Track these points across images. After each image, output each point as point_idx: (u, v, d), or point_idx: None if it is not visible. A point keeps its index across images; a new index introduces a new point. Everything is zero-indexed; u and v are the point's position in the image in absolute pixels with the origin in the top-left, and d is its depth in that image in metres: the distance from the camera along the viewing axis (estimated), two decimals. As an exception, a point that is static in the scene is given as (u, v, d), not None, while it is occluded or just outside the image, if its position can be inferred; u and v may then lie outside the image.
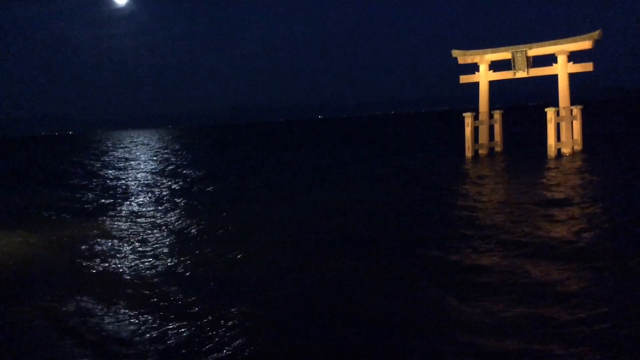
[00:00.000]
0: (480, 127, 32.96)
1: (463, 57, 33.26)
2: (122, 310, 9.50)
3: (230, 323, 8.57)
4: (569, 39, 29.62)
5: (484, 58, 32.50)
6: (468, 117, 31.70)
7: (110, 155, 61.65)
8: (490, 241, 12.47)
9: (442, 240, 12.98)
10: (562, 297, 8.83)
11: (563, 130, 29.92)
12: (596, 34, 28.76)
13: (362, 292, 9.65)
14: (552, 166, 25.76)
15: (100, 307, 9.69)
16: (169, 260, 12.60)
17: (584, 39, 29.11)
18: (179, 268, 11.92)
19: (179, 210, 19.55)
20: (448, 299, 9.05)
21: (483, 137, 33.07)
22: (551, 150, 29.22)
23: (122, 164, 45.92)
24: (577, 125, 30.59)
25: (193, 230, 15.75)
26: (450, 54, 33.59)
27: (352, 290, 9.82)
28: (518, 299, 8.88)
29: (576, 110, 30.38)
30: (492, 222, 14.51)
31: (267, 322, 8.54)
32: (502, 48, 31.83)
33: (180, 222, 17.21)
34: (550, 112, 29.03)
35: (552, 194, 18.15)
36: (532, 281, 9.64)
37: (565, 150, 29.80)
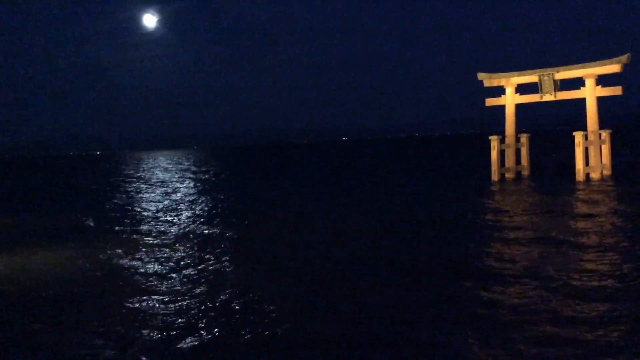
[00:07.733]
0: (506, 150, 32.59)
1: (489, 80, 33.05)
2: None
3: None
4: (597, 62, 29.27)
5: (510, 81, 32.24)
6: (494, 140, 31.35)
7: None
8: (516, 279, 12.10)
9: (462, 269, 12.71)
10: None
11: (592, 154, 29.42)
12: (625, 57, 28.36)
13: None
14: (581, 193, 24.84)
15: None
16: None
17: (612, 63, 28.74)
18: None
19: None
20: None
21: (510, 160, 32.66)
22: (579, 175, 28.71)
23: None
24: (606, 149, 30.08)
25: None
26: (476, 77, 33.42)
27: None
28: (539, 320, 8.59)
29: (605, 135, 29.88)
30: (514, 256, 13.93)
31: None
32: (529, 71, 31.55)
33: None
34: (578, 136, 28.59)
35: (583, 227, 16.83)
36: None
37: (594, 175, 29.24)
